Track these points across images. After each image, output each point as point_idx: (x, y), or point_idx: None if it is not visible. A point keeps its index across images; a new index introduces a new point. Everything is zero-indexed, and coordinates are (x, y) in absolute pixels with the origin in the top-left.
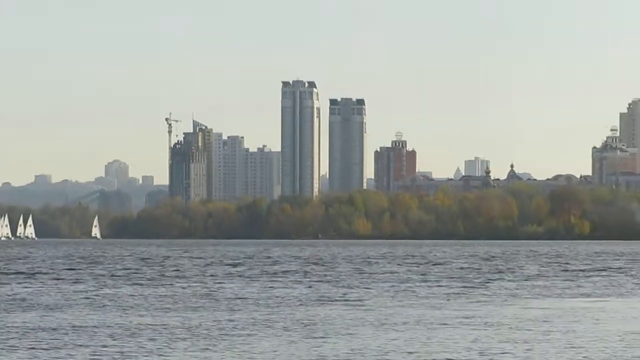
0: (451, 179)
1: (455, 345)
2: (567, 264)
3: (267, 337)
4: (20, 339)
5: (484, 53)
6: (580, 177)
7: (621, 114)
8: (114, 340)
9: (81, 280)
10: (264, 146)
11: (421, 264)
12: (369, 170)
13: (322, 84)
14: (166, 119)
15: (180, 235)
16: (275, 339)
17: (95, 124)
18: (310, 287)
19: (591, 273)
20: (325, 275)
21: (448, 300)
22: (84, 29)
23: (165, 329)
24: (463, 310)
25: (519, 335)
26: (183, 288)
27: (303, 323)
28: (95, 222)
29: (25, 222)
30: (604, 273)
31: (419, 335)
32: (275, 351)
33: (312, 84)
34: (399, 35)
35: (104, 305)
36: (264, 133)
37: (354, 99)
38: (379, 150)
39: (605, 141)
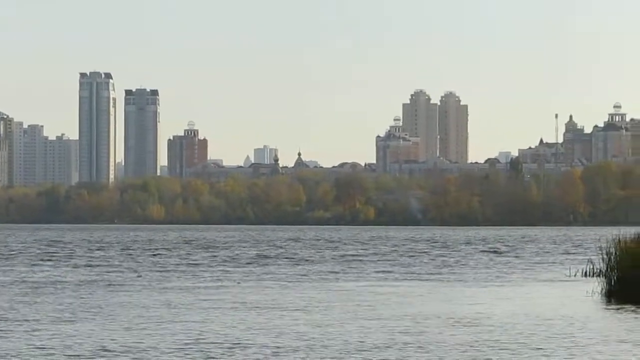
0: (241, 167)
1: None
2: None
3: None
4: None
5: (274, 43)
6: (365, 165)
7: (404, 105)
8: None
9: None
10: (63, 135)
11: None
12: (162, 158)
13: (118, 75)
14: None
15: None
16: None
17: None
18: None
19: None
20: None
21: (239, 283)
22: None
23: None
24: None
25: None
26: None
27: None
28: None
29: None
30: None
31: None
32: None
33: (108, 75)
34: (192, 27)
35: None
36: (62, 122)
37: (148, 90)
38: (171, 138)
39: (389, 130)
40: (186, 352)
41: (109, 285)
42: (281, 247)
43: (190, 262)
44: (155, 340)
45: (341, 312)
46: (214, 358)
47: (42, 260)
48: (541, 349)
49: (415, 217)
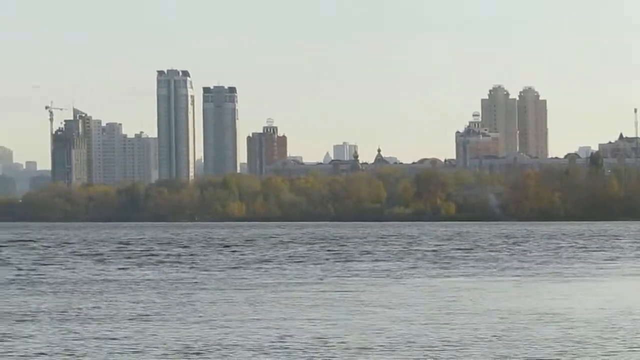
0: (321, 163)
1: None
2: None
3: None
4: None
5: (353, 39)
6: (445, 160)
7: (483, 100)
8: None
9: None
10: (141, 132)
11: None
12: (242, 155)
13: (196, 72)
14: (47, 107)
15: (62, 219)
16: None
17: None
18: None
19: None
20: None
21: (321, 280)
22: None
23: None
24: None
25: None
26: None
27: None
28: None
29: None
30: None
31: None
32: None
33: (185, 73)
34: (269, 23)
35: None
36: (141, 120)
37: (226, 87)
38: (251, 135)
39: (468, 126)
40: (270, 349)
41: (192, 283)
42: (360, 244)
43: (270, 258)
44: (240, 338)
45: (426, 309)
46: (297, 355)
47: (130, 258)
48: (628, 343)
49: (494, 213)
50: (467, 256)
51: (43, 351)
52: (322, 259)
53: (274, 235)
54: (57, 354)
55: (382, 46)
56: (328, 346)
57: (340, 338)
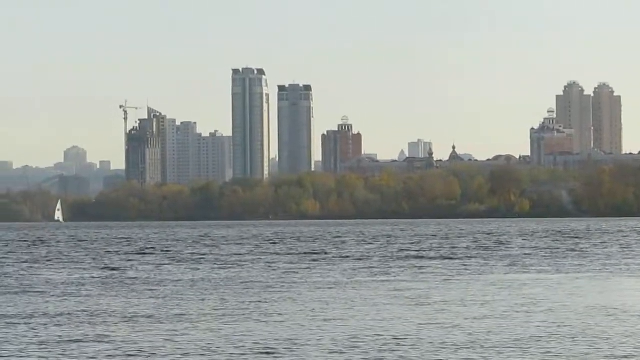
0: (395, 161)
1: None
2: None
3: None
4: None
5: (427, 36)
6: (520, 157)
7: (557, 96)
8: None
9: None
10: (216, 131)
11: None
12: (316, 153)
13: (271, 71)
14: (121, 106)
15: (136, 218)
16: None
17: (54, 111)
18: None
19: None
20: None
21: (395, 277)
22: (40, 17)
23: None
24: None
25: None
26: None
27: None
28: (59, 205)
29: None
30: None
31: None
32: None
33: (260, 71)
34: (342, 22)
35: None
36: (215, 119)
37: (301, 85)
38: (325, 133)
39: (543, 122)
40: (346, 347)
41: (266, 283)
42: (437, 241)
43: (346, 255)
44: (316, 336)
45: (501, 305)
46: (373, 354)
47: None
48: None
49: (567, 209)
50: (542, 252)
51: (119, 351)
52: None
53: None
54: (130, 355)
55: (457, 43)
56: (407, 345)
57: (418, 335)
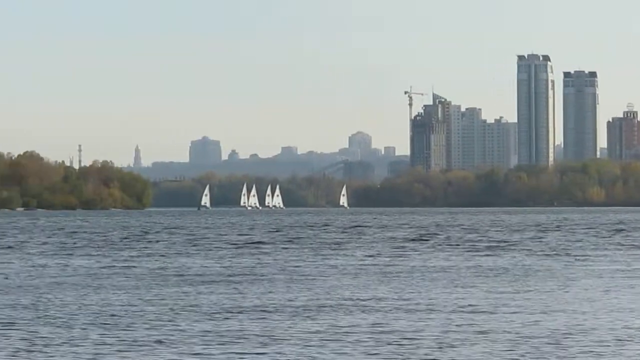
0: None
1: None
2: None
3: None
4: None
5: None
6: None
7: None
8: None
9: None
10: (501, 117)
11: None
12: (601, 140)
13: (556, 57)
14: (406, 92)
15: (420, 204)
16: None
17: (340, 97)
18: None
19: None
20: None
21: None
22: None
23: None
24: None
25: None
26: None
27: None
28: (343, 191)
29: (272, 192)
30: None
31: None
32: None
33: (546, 58)
34: (633, 5)
35: None
36: (499, 105)
37: (586, 72)
38: (610, 120)
39: None
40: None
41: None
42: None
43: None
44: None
45: None
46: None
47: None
48: None
49: None
50: None
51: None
52: None
53: None
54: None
55: None
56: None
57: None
